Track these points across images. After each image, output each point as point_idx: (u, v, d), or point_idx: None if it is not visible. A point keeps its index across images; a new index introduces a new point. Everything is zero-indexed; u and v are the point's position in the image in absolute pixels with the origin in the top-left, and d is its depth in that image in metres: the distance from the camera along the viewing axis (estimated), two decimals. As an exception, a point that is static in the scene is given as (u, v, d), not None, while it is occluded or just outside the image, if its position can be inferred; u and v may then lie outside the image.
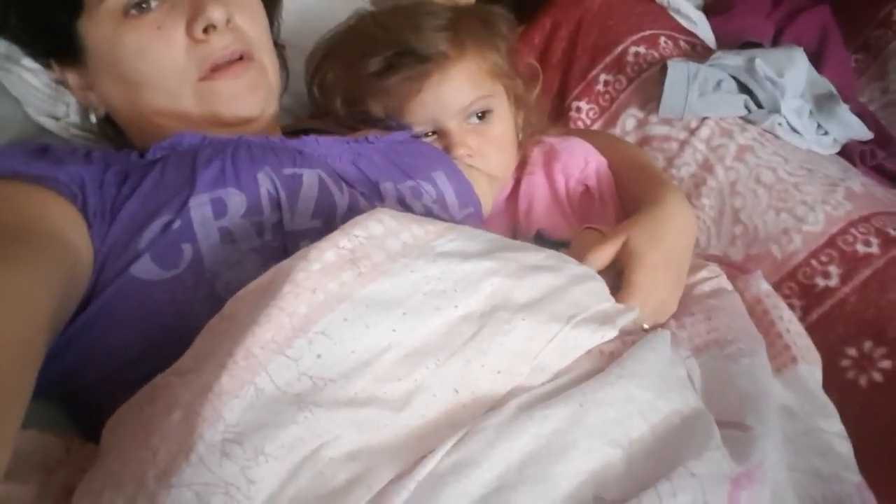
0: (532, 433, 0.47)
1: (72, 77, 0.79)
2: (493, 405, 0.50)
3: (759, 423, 0.60)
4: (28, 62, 0.82)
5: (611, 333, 0.57)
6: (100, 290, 0.62)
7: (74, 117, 0.84)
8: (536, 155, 0.94)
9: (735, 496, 0.49)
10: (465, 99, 0.86)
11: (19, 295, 0.51)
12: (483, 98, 0.87)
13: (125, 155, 0.71)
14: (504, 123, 0.90)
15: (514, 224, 0.92)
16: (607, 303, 0.61)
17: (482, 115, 0.88)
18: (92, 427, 0.59)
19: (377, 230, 0.54)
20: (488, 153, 0.88)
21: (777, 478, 0.61)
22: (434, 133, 0.89)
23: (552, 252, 0.61)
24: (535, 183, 0.92)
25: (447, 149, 0.87)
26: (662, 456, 0.50)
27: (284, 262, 0.52)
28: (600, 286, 0.63)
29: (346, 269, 0.51)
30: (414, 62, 0.84)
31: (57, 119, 0.84)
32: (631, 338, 0.59)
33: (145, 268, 0.62)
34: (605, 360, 0.56)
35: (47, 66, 0.81)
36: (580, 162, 0.91)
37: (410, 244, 0.54)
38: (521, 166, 0.94)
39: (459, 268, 0.54)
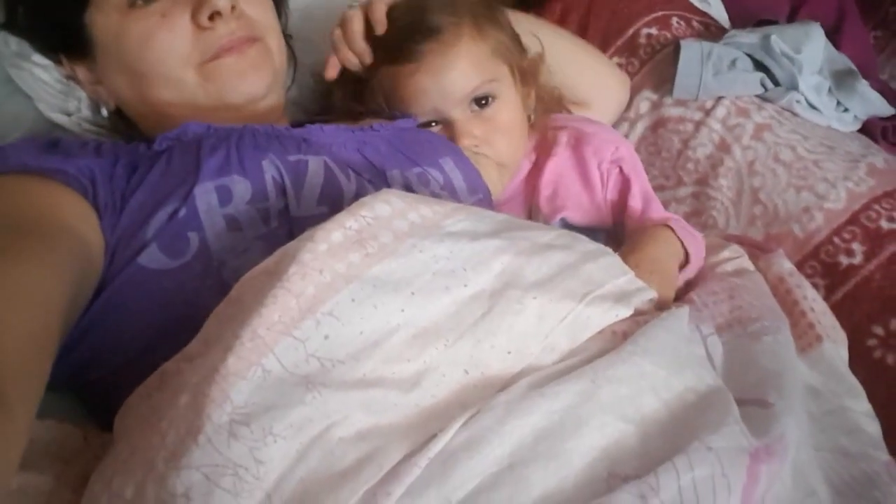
0: (544, 410, 0.47)
1: (81, 72, 0.80)
2: (504, 385, 0.49)
3: (780, 399, 0.59)
4: (38, 58, 0.82)
5: (625, 312, 0.56)
6: (109, 280, 0.62)
7: (86, 112, 0.85)
8: (562, 137, 0.91)
9: (754, 470, 0.48)
10: (467, 85, 0.83)
11: (32, 288, 0.52)
12: (486, 83, 0.84)
13: (134, 147, 0.71)
14: (511, 108, 0.87)
15: (530, 207, 0.91)
16: (623, 276, 0.60)
17: (485, 102, 0.85)
18: (108, 417, 0.59)
19: (384, 211, 0.54)
20: (496, 140, 0.86)
21: (801, 457, 0.59)
22: (438, 123, 0.86)
23: (564, 231, 0.60)
24: (562, 166, 0.90)
25: (452, 139, 0.84)
26: (677, 432, 0.49)
27: (290, 244, 0.52)
28: (615, 261, 0.62)
29: (353, 250, 0.50)
30: (411, 45, 0.81)
31: (69, 115, 0.85)
32: (644, 317, 0.58)
33: (153, 257, 0.62)
34: (617, 341, 0.55)
35: (57, 61, 0.82)
36: (611, 146, 0.89)
37: (418, 224, 0.54)
38: (546, 148, 0.92)
39: (468, 247, 0.53)
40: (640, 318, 0.58)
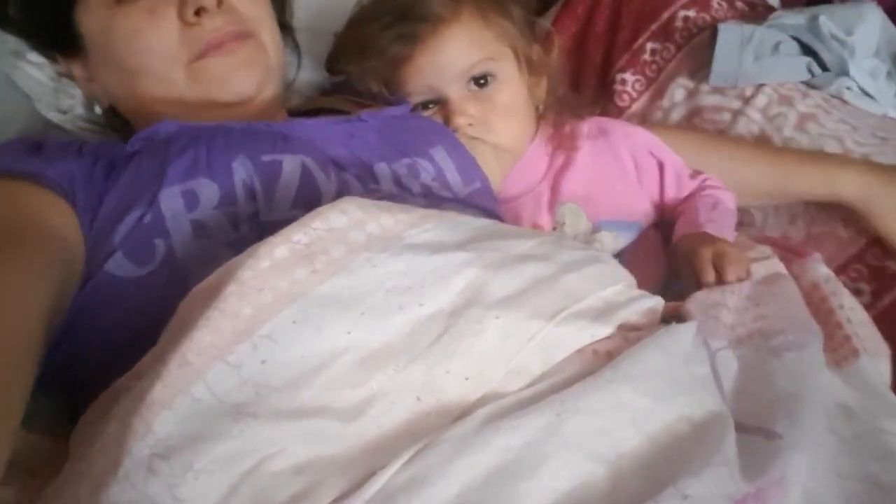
0: (498, 446, 0.42)
1: (76, 69, 0.79)
2: (462, 413, 0.45)
3: (791, 430, 0.53)
4: (33, 56, 0.82)
5: (603, 331, 0.51)
6: (83, 284, 0.61)
7: (80, 110, 0.84)
8: (583, 129, 0.89)
9: (739, 520, 0.43)
10: (463, 63, 0.81)
11: (16, 297, 0.51)
12: (483, 61, 0.81)
13: (112, 147, 0.69)
14: (513, 91, 0.84)
15: (552, 202, 0.86)
16: (612, 287, 0.55)
17: (484, 81, 0.82)
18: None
19: (339, 222, 0.50)
20: (493, 122, 0.83)
21: (817, 489, 0.54)
22: (434, 104, 0.84)
23: (548, 238, 0.55)
24: (594, 161, 0.87)
25: (447, 119, 0.82)
26: (657, 471, 0.44)
27: (233, 260, 0.48)
28: (604, 269, 0.57)
29: (300, 266, 0.47)
30: (407, 24, 0.80)
31: (63, 113, 0.84)
32: (636, 334, 0.52)
33: (119, 264, 0.60)
34: (599, 361, 0.49)
35: (53, 59, 0.81)
36: (637, 132, 0.88)
37: (376, 236, 0.49)
38: (565, 142, 0.88)
39: (429, 261, 0.49)
40: (632, 335, 0.53)
